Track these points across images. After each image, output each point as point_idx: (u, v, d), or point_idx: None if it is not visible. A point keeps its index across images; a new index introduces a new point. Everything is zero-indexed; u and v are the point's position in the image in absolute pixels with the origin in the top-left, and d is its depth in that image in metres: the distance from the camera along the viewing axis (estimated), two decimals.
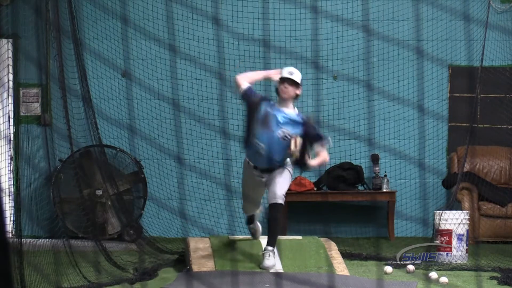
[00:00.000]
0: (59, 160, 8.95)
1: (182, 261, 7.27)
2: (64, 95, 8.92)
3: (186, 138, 9.75)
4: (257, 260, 6.57)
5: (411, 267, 6.93)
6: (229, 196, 9.83)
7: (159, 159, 9.77)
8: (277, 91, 6.45)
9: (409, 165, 9.91)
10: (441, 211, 7.77)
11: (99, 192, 8.95)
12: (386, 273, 6.86)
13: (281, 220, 6.92)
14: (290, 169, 6.47)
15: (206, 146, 9.77)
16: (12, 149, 8.57)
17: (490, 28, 9.26)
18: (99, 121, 9.45)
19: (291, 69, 6.47)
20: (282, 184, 6.39)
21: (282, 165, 6.39)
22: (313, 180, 9.47)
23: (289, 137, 6.19)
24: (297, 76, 6.39)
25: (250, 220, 7.05)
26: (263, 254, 6.46)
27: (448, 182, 9.38)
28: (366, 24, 10.17)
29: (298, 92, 6.39)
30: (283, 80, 6.36)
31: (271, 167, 6.38)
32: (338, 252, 7.16)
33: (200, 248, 6.98)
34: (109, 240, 8.78)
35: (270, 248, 6.43)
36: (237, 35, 9.65)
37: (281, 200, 6.35)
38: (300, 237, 7.54)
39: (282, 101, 6.36)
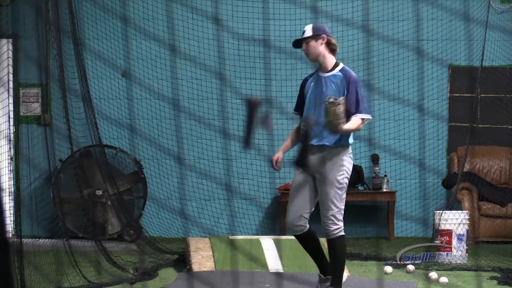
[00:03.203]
0: (59, 160, 8.95)
1: (182, 261, 7.27)
2: (64, 95, 8.92)
3: (186, 138, 9.75)
4: (257, 260, 6.57)
5: (411, 267, 6.93)
6: (229, 196, 9.83)
7: (159, 159, 9.77)
8: None
9: (409, 165, 9.91)
10: (441, 211, 7.77)
11: (99, 192, 8.95)
12: (386, 273, 6.86)
13: None
14: None
15: (206, 146, 9.77)
16: (12, 149, 8.58)
17: (490, 28, 9.26)
18: (99, 121, 9.45)
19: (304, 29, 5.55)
20: None
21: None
22: None
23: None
24: (307, 31, 5.48)
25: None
26: None
27: (448, 182, 9.38)
28: (366, 24, 10.17)
29: (319, 42, 5.42)
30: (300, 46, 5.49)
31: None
32: None
33: (200, 248, 6.98)
34: (109, 240, 8.78)
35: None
36: (237, 35, 9.65)
37: None
38: None
39: (320, 65, 5.51)
